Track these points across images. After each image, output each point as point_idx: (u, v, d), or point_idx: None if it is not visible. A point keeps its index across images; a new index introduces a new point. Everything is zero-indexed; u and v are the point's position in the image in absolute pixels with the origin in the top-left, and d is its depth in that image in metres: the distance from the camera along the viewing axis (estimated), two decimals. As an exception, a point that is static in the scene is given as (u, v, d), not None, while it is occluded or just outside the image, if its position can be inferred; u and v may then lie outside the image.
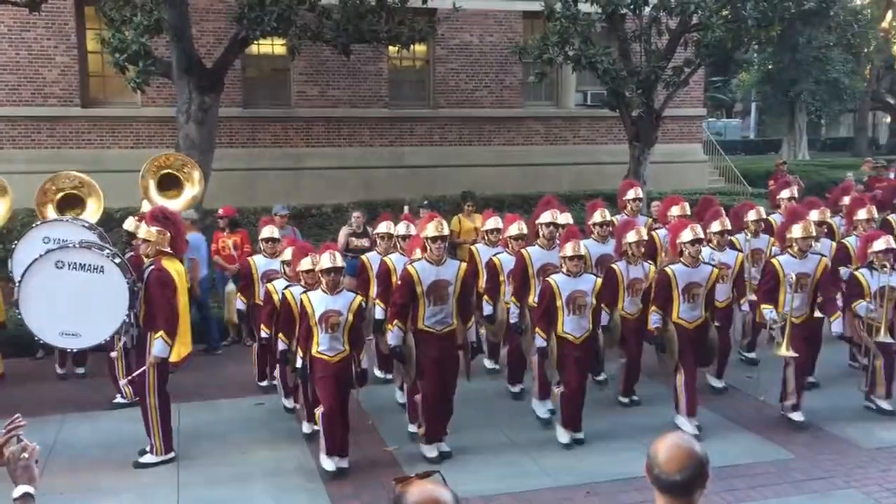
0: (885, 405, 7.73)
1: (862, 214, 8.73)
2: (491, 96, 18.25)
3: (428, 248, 6.78)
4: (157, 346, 6.63)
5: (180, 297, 6.83)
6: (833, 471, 6.55)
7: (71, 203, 9.28)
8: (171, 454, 6.89)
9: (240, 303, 8.71)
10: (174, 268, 6.88)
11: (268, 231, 8.66)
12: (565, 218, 8.23)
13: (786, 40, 25.23)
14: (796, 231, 7.41)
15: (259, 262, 8.55)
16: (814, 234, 7.58)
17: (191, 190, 9.72)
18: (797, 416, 7.50)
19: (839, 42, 27.56)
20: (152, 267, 6.76)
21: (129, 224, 8.67)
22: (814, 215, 8.57)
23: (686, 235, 7.24)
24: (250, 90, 17.03)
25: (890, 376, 7.74)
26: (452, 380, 6.93)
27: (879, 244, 7.50)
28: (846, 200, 9.67)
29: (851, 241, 8.53)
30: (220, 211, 10.92)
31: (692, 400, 7.33)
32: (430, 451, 6.87)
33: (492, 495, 6.20)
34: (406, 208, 11.50)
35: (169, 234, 6.92)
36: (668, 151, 18.18)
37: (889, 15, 32.91)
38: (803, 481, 6.38)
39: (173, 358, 6.85)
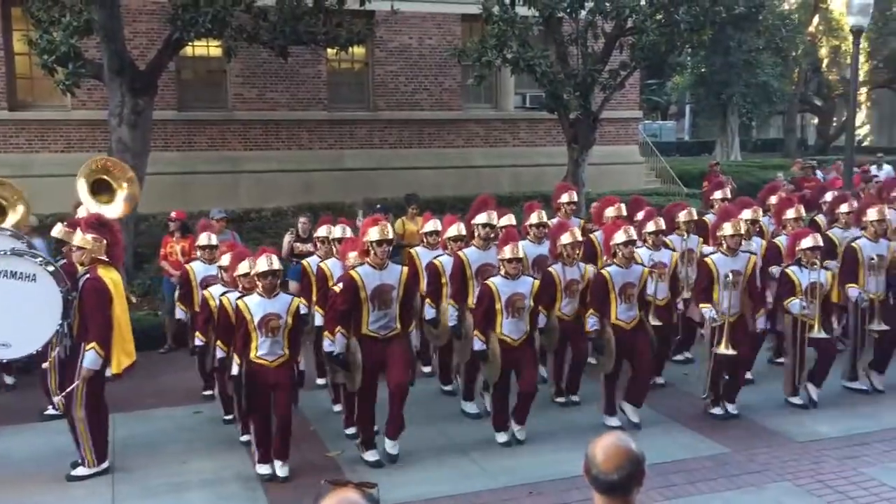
0: (797, 400, 8.00)
1: (790, 214, 8.98)
2: (430, 99, 18.27)
3: (372, 252, 6.73)
4: (88, 357, 6.42)
5: (117, 306, 6.65)
6: (767, 464, 6.71)
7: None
8: (105, 465, 6.71)
9: (180, 312, 8.48)
10: (110, 276, 6.69)
11: (205, 237, 8.48)
12: (507, 219, 8.28)
13: (717, 44, 25.84)
14: (726, 229, 7.59)
15: (197, 269, 8.35)
16: (742, 231, 7.76)
17: (122, 195, 9.47)
18: (718, 411, 7.70)
19: (768, 46, 28.37)
20: (87, 276, 6.58)
21: (58, 231, 8.40)
22: (746, 214, 8.79)
23: (619, 237, 7.35)
24: (185, 93, 16.73)
25: (825, 370, 7.98)
26: (402, 384, 6.87)
27: (807, 242, 7.72)
28: (773, 200, 9.91)
29: (781, 240, 8.76)
30: (173, 214, 10.70)
31: (612, 396, 7.59)
32: (371, 456, 6.83)
33: (433, 498, 6.19)
34: (360, 214, 11.39)
35: (105, 242, 6.74)
36: (606, 153, 18.47)
37: (816, 19, 34.01)
38: (739, 475, 6.52)
39: (114, 369, 6.67)
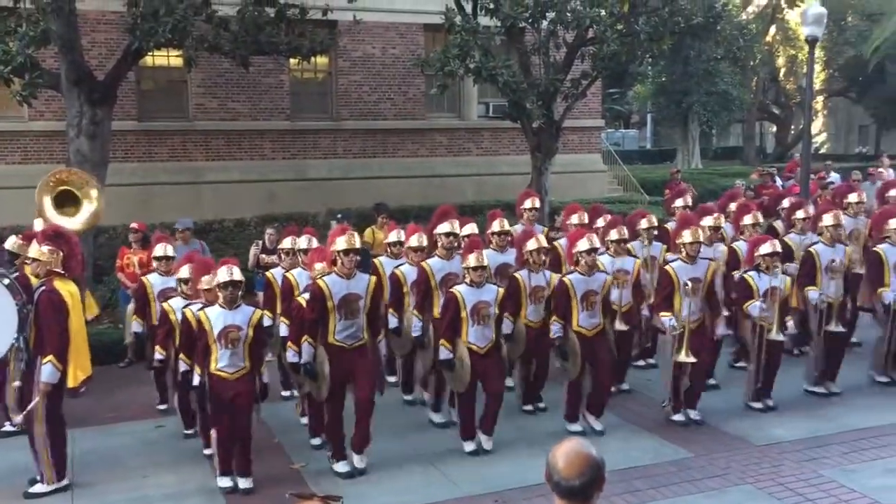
0: (758, 405, 8.12)
1: (748, 220, 9.13)
2: (394, 108, 18.28)
3: (339, 261, 6.71)
4: (45, 371, 6.31)
5: (73, 319, 6.55)
6: (728, 468, 6.80)
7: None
8: (65, 482, 6.59)
9: (136, 325, 8.29)
10: (67, 289, 6.59)
11: (161, 248, 8.36)
12: (470, 228, 8.30)
13: (677, 54, 26.22)
14: (686, 236, 7.68)
15: (154, 281, 8.22)
16: (702, 239, 7.87)
17: (89, 207, 9.35)
18: (678, 417, 7.79)
19: (726, 55, 28.65)
20: (43, 288, 6.47)
21: (11, 244, 8.25)
22: (708, 221, 8.93)
23: (582, 245, 7.41)
24: (146, 103, 16.55)
25: (772, 375, 8.11)
26: (370, 392, 6.84)
27: (766, 248, 7.84)
28: (733, 206, 10.07)
29: (740, 246, 8.89)
30: (134, 225, 10.54)
31: (575, 403, 7.63)
32: (342, 467, 6.79)
33: (400, 508, 6.19)
34: (334, 223, 11.31)
35: (61, 254, 6.65)
36: (569, 162, 18.61)
37: (772, 29, 34.64)
38: (701, 479, 6.59)
39: (70, 383, 6.56)
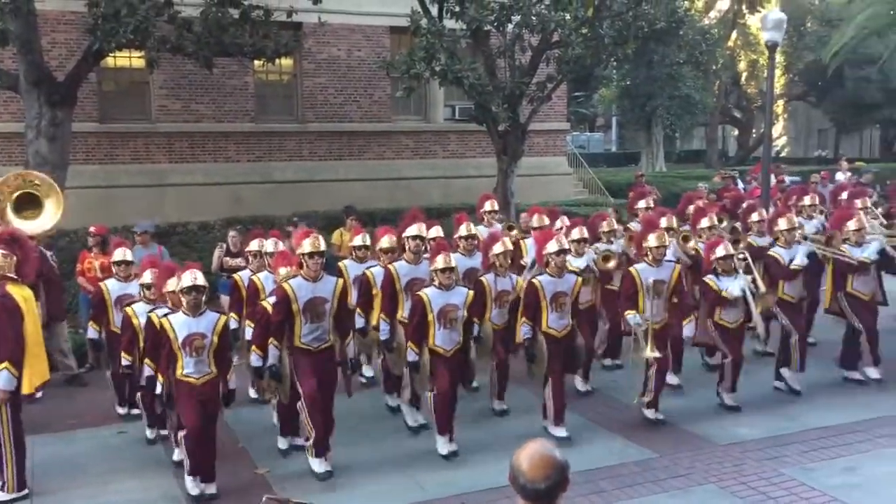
0: (729, 401, 8.21)
1: (704, 223, 9.25)
2: (360, 111, 18.23)
3: (304, 264, 6.68)
4: (1, 378, 6.20)
5: (28, 324, 6.43)
6: (692, 468, 6.87)
7: None
8: (25, 491, 6.46)
9: (92, 331, 8.14)
10: (21, 293, 6.48)
11: (120, 253, 8.21)
12: (435, 231, 8.30)
13: (641, 58, 26.47)
14: (651, 240, 7.75)
15: (112, 287, 8.08)
16: (667, 243, 7.95)
17: (51, 209, 9.20)
18: (651, 414, 7.84)
19: (689, 60, 29.05)
20: (-4, 293, 6.35)
21: None
22: (662, 222, 9.01)
23: (552, 246, 7.43)
24: (107, 104, 16.33)
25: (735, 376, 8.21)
26: (331, 397, 6.81)
27: (720, 251, 7.93)
28: (692, 210, 10.17)
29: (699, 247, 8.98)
30: (92, 229, 10.36)
31: (560, 408, 7.53)
32: (319, 466, 6.74)
33: (366, 512, 6.17)
34: (290, 228, 11.23)
35: (15, 259, 6.54)
36: (535, 164, 18.71)
37: (734, 34, 35.13)
38: (665, 479, 6.66)
39: (25, 389, 6.44)
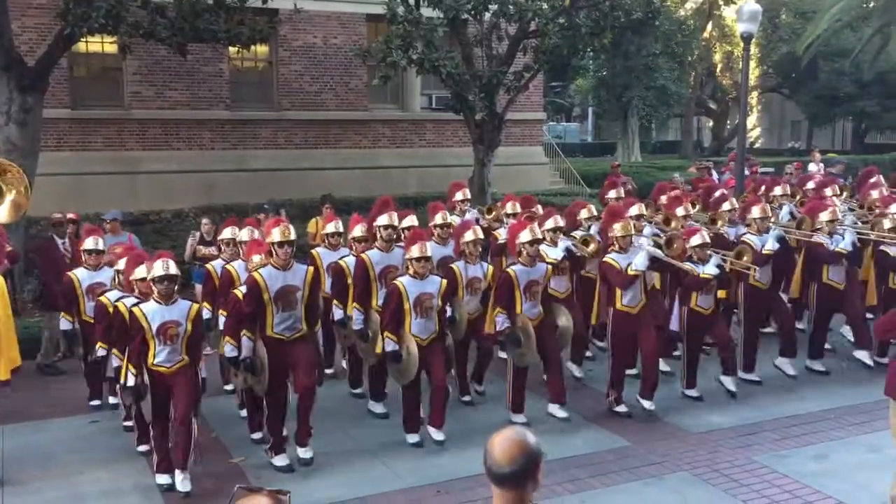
0: (693, 393, 8.30)
1: (679, 212, 9.31)
2: (336, 99, 18.12)
3: (274, 253, 6.63)
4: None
5: (1, 310, 6.35)
6: (666, 455, 6.93)
7: None
8: (-7, 480, 6.41)
9: (65, 322, 8.05)
10: (-8, 280, 6.40)
11: (91, 241, 8.09)
12: (409, 220, 8.28)
13: (617, 48, 26.52)
14: (617, 230, 7.78)
15: (82, 276, 7.97)
16: (633, 231, 7.97)
17: (13, 197, 9.03)
18: (621, 409, 7.87)
19: (665, 51, 29.34)
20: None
21: None
22: (633, 210, 9.05)
23: (525, 236, 7.44)
24: (79, 90, 16.10)
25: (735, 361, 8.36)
26: (312, 386, 6.75)
27: (695, 240, 7.97)
28: (664, 199, 10.23)
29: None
30: (71, 216, 10.20)
31: (520, 393, 7.69)
32: (281, 461, 6.72)
33: (342, 501, 6.15)
34: (282, 212, 11.14)
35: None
36: (511, 154, 18.70)
37: (710, 26, 35.30)
38: (639, 467, 6.71)
39: (1, 376, 6.37)
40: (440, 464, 6.78)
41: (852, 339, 9.15)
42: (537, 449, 2.66)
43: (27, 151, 11.41)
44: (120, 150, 16.22)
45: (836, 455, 6.89)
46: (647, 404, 7.79)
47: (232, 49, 15.30)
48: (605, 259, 7.88)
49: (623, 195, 10.24)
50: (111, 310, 7.03)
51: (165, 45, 12.77)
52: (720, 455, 6.92)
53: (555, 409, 7.70)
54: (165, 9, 12.28)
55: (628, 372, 8.16)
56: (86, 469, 6.76)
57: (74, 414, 8.09)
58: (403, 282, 7.04)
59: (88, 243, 8.07)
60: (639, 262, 7.59)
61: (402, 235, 8.00)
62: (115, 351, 6.67)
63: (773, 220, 9.02)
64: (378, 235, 7.93)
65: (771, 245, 8.43)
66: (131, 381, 6.30)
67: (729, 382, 8.30)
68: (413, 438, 7.19)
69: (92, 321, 7.56)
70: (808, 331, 9.47)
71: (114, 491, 6.38)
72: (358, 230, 8.18)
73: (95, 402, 8.18)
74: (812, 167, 17.03)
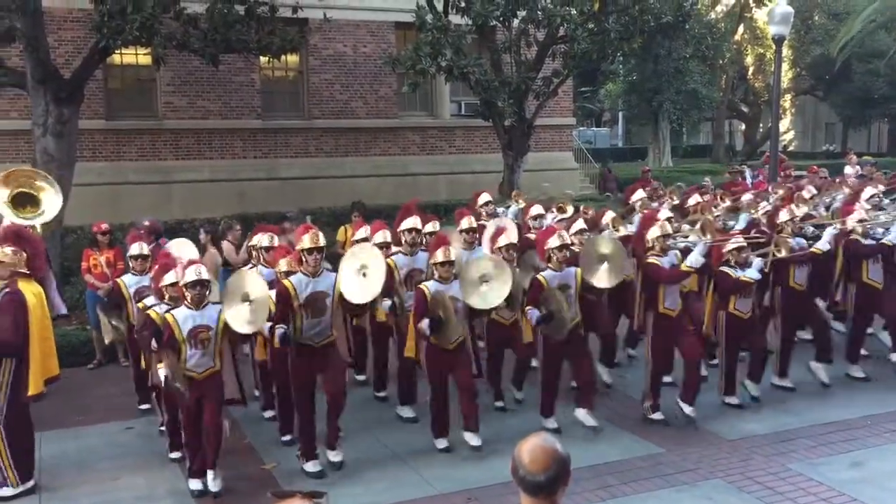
0: (733, 400, 8.15)
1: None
2: (366, 107, 18.24)
3: (304, 260, 6.69)
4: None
5: (37, 320, 6.45)
6: (700, 463, 6.85)
7: None
8: (31, 482, 6.50)
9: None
10: (31, 290, 6.51)
11: (137, 247, 8.23)
12: (432, 226, 8.30)
13: (647, 52, 26.40)
14: (654, 231, 7.71)
15: (129, 281, 8.11)
16: (670, 231, 7.89)
17: (49, 206, 9.19)
18: (657, 416, 7.78)
19: (696, 54, 29.08)
20: (6, 290, 6.37)
21: None
22: (664, 213, 8.96)
23: (553, 242, 7.40)
24: (114, 101, 16.38)
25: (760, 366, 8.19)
26: (342, 392, 6.81)
27: (731, 243, 7.88)
28: (691, 203, 10.12)
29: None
30: (104, 226, 10.37)
31: (588, 393, 7.57)
32: (312, 466, 6.76)
33: (372, 507, 6.17)
34: (308, 219, 11.23)
35: (25, 255, 6.55)
36: (541, 159, 18.67)
37: (741, 28, 34.96)
38: (673, 474, 6.64)
39: (32, 390, 6.44)
40: (470, 469, 6.77)
41: (890, 344, 8.99)
42: (566, 454, 2.67)
43: (63, 162, 11.63)
44: (153, 159, 16.48)
45: (873, 463, 6.76)
46: (687, 409, 7.67)
47: (263, 59, 15.49)
48: (648, 261, 7.74)
49: (645, 196, 10.20)
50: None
51: (198, 55, 12.96)
52: (754, 462, 6.83)
53: (581, 414, 7.61)
54: (198, 20, 12.47)
55: (665, 379, 8.08)
56: (121, 475, 6.85)
57: (110, 420, 8.19)
58: (429, 286, 7.05)
59: (134, 249, 8.19)
60: (693, 257, 7.49)
61: (424, 241, 8.04)
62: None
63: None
64: (402, 239, 7.97)
65: (823, 243, 8.33)
66: (163, 374, 6.31)
67: (753, 388, 8.20)
68: (442, 444, 7.18)
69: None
70: (847, 333, 9.28)
71: (148, 497, 6.45)
72: (379, 236, 8.23)
73: (144, 406, 8.26)
74: (848, 170, 16.77)
